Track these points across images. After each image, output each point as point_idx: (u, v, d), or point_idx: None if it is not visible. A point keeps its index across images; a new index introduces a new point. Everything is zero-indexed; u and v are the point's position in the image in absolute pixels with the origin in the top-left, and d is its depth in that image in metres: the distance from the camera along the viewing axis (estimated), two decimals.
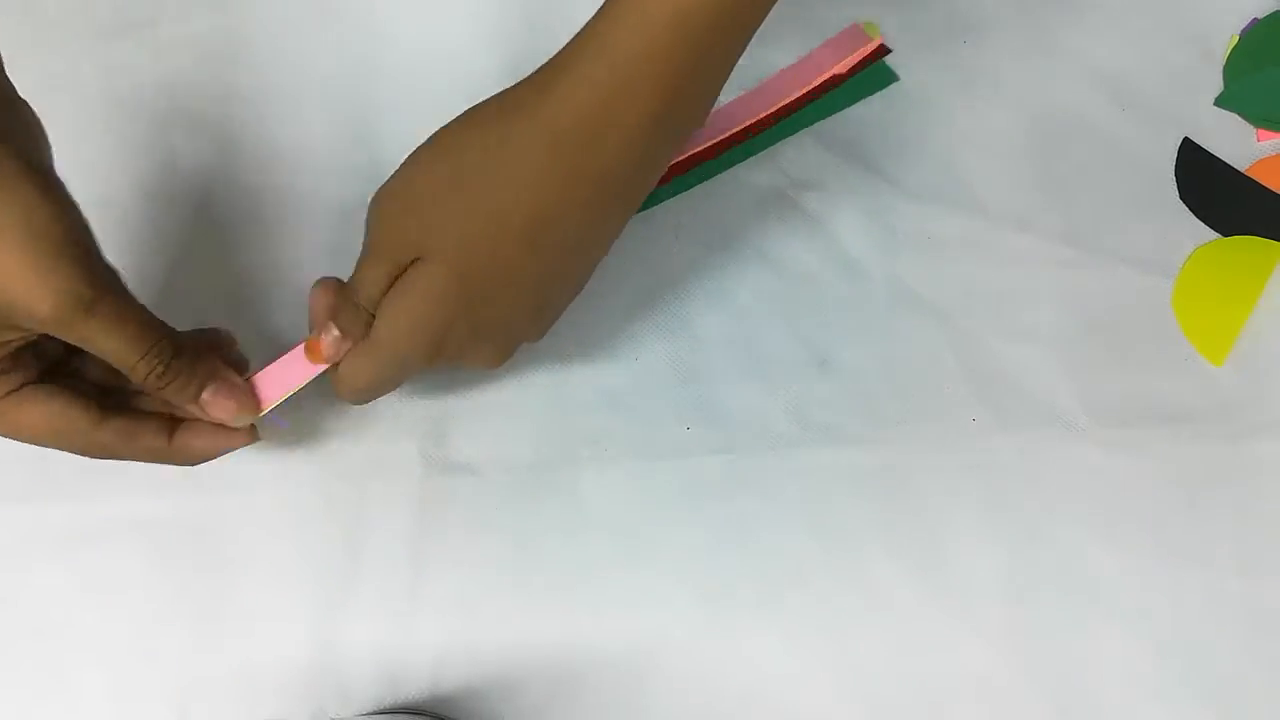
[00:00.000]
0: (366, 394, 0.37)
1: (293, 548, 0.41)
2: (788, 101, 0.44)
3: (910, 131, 0.46)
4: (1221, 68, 0.47)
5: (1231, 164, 0.45)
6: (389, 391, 0.37)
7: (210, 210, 0.44)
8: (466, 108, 0.45)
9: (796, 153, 0.45)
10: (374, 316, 0.35)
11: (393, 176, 0.35)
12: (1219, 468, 0.42)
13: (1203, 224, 0.45)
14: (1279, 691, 0.39)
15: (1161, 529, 0.41)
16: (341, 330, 0.35)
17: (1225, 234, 0.45)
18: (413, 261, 0.34)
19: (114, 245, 0.43)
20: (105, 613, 0.40)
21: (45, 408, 0.33)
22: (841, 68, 0.44)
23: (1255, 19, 0.47)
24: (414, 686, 0.40)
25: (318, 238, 0.44)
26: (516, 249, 0.33)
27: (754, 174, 0.45)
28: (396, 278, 0.34)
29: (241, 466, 0.41)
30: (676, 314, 0.44)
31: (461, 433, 0.42)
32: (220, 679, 0.40)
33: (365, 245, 0.36)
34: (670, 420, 0.42)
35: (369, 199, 0.44)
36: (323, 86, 0.46)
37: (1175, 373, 0.43)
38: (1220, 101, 0.46)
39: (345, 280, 0.36)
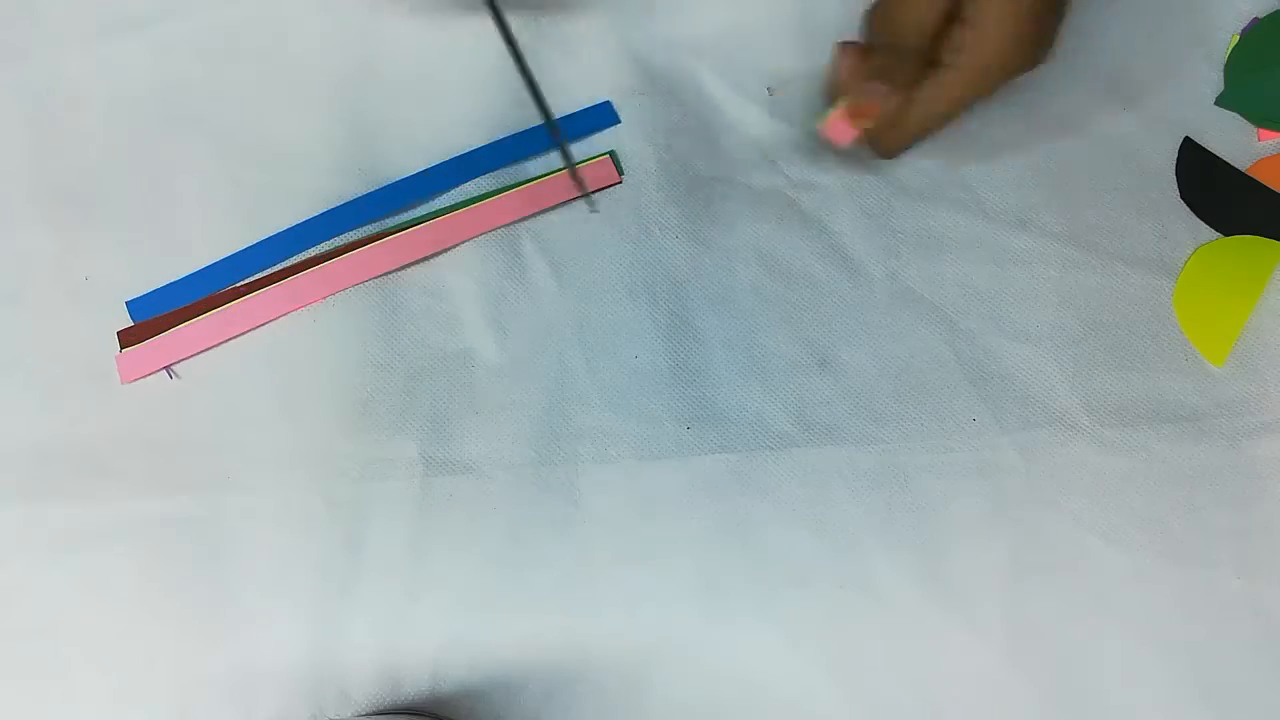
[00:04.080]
0: (945, 120, 0.40)
1: (293, 547, 0.41)
2: (521, 216, 0.44)
3: None
4: (1222, 67, 0.47)
5: (1232, 163, 0.45)
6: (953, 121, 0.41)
7: (210, 210, 0.44)
8: (467, 106, 0.46)
9: (796, 152, 0.45)
10: (923, 53, 0.38)
11: None
12: (1219, 468, 0.42)
13: (1203, 223, 0.45)
14: (1279, 692, 0.39)
15: (1161, 529, 0.41)
16: (892, 86, 0.38)
17: (1226, 234, 0.45)
18: None
19: (115, 243, 0.44)
20: (105, 613, 0.40)
21: None
22: (578, 191, 0.44)
23: (1256, 19, 0.47)
24: (414, 686, 0.40)
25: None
26: None
27: (753, 174, 0.45)
28: (948, 6, 0.37)
29: (242, 466, 0.42)
30: (676, 314, 0.44)
31: (461, 432, 0.42)
32: (220, 679, 0.40)
33: None
34: (670, 420, 0.42)
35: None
36: (323, 85, 0.46)
37: (1175, 373, 0.43)
38: (1221, 101, 0.46)
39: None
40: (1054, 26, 0.39)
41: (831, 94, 0.41)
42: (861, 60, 0.38)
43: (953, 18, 0.37)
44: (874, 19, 0.39)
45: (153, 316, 0.42)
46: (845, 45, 0.39)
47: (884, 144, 0.42)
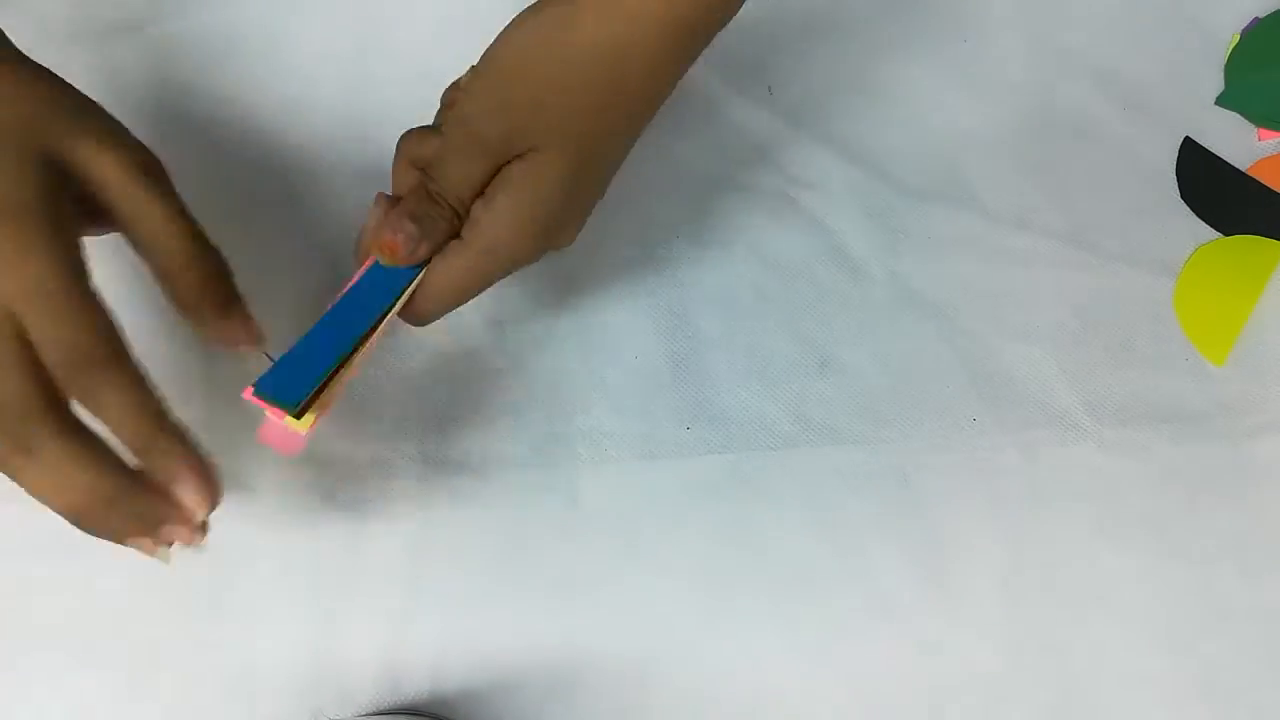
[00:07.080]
0: (456, 299, 0.37)
1: (293, 548, 0.41)
2: None
3: (910, 131, 0.46)
4: (1222, 67, 0.47)
5: (1233, 163, 0.45)
6: (471, 298, 0.37)
7: (211, 210, 0.44)
8: None
9: (796, 152, 0.45)
10: (461, 217, 0.35)
11: (475, 81, 0.36)
12: (1219, 468, 0.42)
13: (1204, 223, 0.45)
14: (1278, 691, 0.39)
15: (1161, 529, 0.41)
16: (422, 233, 0.35)
17: (1226, 233, 0.45)
18: (513, 159, 0.35)
19: (112, 245, 0.43)
20: (105, 613, 0.40)
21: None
22: None
23: (1256, 18, 0.47)
24: (414, 687, 0.40)
25: (318, 238, 0.44)
26: (609, 141, 0.36)
27: (754, 174, 0.45)
28: (493, 176, 0.35)
29: (242, 466, 0.42)
30: (676, 314, 0.44)
31: (462, 432, 0.42)
32: (220, 679, 0.40)
33: (453, 146, 0.35)
34: (670, 420, 0.42)
35: (372, 195, 0.44)
36: (323, 86, 0.46)
37: (1176, 372, 0.43)
38: (1221, 101, 0.46)
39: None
40: (575, 221, 0.37)
41: (363, 249, 0.37)
42: (390, 205, 0.36)
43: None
44: (430, 167, 0.36)
45: None
46: (380, 195, 0.37)
47: (410, 312, 0.37)
